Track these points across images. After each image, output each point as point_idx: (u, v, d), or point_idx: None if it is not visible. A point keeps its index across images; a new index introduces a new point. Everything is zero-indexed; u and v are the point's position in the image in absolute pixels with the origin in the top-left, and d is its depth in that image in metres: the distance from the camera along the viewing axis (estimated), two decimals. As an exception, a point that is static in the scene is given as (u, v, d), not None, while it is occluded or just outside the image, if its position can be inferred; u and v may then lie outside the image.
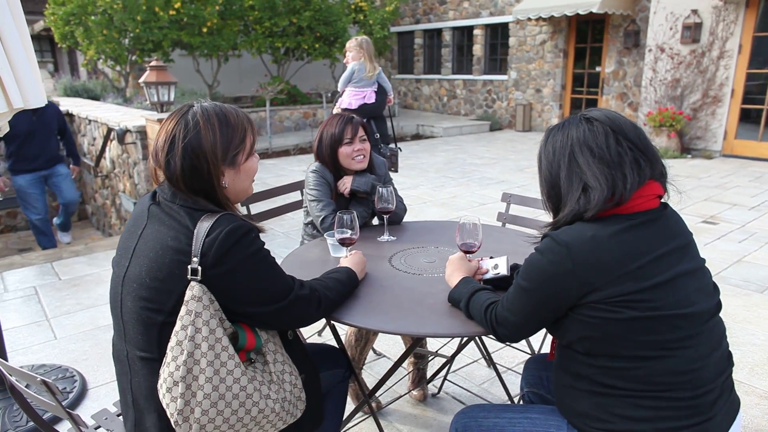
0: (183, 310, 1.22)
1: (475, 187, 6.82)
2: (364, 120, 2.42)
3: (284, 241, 4.85)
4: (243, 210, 2.69)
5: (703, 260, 1.29)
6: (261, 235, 1.36)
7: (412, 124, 12.22)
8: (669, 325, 1.16)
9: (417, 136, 11.82)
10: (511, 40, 12.33)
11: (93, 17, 9.75)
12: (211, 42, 10.42)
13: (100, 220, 6.38)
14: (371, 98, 4.62)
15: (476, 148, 9.98)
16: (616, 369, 1.18)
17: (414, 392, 2.48)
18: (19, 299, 3.67)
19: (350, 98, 4.58)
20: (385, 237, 2.22)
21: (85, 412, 2.45)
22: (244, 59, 12.67)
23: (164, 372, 1.23)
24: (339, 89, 4.76)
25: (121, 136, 4.60)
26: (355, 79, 4.62)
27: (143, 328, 1.29)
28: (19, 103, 2.18)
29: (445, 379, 2.56)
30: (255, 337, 1.32)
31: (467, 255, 1.72)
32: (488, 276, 1.65)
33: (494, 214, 5.56)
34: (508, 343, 2.30)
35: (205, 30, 10.25)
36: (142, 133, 4.54)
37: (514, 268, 1.65)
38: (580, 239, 1.18)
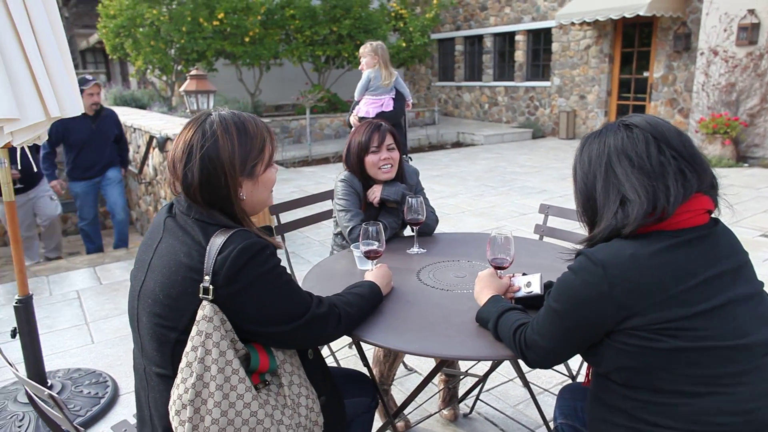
0: (194, 330, 1.18)
1: (515, 196, 6.65)
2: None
3: (319, 249, 4.83)
4: (273, 219, 2.67)
5: (761, 284, 1.16)
6: (278, 251, 1.31)
7: (453, 132, 12.09)
8: (719, 357, 1.03)
9: (457, 144, 11.69)
10: (554, 46, 12.06)
11: (141, 29, 10.10)
12: (253, 51, 10.62)
13: (144, 225, 6.56)
14: (389, 106, 4.49)
15: (518, 156, 9.77)
16: (658, 404, 1.07)
17: (444, 411, 2.39)
18: (63, 302, 3.77)
19: (367, 107, 4.46)
20: (415, 249, 2.14)
21: (115, 418, 2.46)
22: (285, 68, 12.86)
23: (174, 393, 1.20)
24: (356, 98, 4.63)
25: (162, 143, 4.70)
26: (371, 87, 4.50)
27: (158, 344, 1.26)
28: (56, 112, 2.21)
29: (477, 398, 2.45)
30: (269, 359, 1.27)
31: (498, 271, 1.62)
32: (520, 294, 1.55)
33: (533, 225, 5.41)
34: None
35: (247, 39, 10.46)
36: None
37: (548, 286, 1.55)
38: (617, 258, 1.07)
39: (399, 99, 4.57)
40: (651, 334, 1.04)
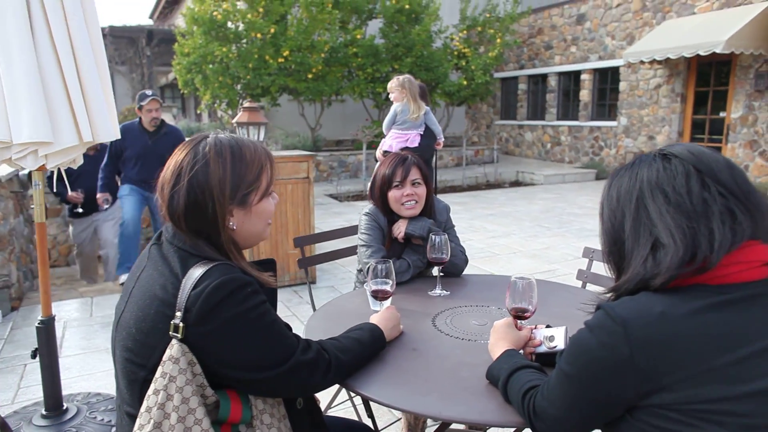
0: (158, 371, 1.07)
1: (571, 238, 6.29)
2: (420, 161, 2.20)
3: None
4: (296, 252, 2.56)
5: None
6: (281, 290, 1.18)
7: (512, 171, 11.80)
8: None
9: (516, 183, 11.38)
10: (622, 85, 11.64)
11: (211, 66, 10.61)
12: (315, 87, 10.88)
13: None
14: (414, 142, 4.28)
15: (578, 197, 9.35)
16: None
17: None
18: (101, 324, 3.82)
19: (392, 140, 4.28)
20: (437, 291, 1.96)
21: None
22: (347, 104, 13.11)
23: None
24: (384, 131, 4.47)
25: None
26: (398, 121, 4.31)
27: (127, 381, 1.16)
28: (89, 137, 2.24)
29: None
30: (243, 408, 1.13)
31: (518, 321, 1.42)
32: (541, 350, 1.35)
33: (577, 271, 5.06)
34: None
35: (310, 76, 10.75)
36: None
37: (575, 341, 1.34)
38: (643, 316, 0.87)
39: (428, 136, 4.36)
40: (684, 417, 0.82)
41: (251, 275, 1.19)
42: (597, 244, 5.19)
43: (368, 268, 1.71)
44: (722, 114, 10.04)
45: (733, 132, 9.77)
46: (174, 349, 1.06)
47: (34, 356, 2.41)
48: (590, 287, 2.22)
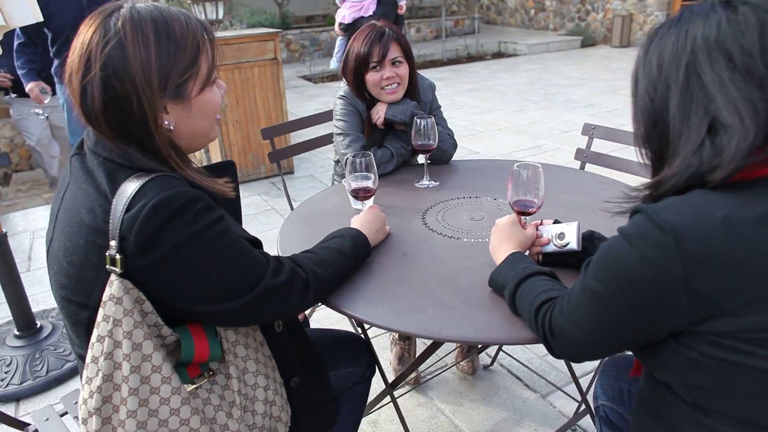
0: (99, 314, 0.87)
1: (558, 111, 6.03)
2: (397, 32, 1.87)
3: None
4: (267, 145, 2.31)
5: None
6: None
7: (494, 42, 11.15)
8: None
9: (498, 54, 10.79)
10: (613, -62, 10.67)
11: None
12: (277, -45, 9.80)
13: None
14: (369, 10, 3.69)
15: (564, 66, 8.92)
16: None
17: (462, 363, 2.10)
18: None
19: (345, 10, 3.68)
20: (425, 182, 1.76)
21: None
22: (314, -26, 11.95)
23: (81, 393, 0.91)
24: (337, 2, 3.86)
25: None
26: None
27: (71, 323, 0.97)
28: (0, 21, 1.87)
29: (500, 349, 2.15)
30: (210, 345, 0.95)
31: (522, 218, 1.24)
32: (549, 249, 1.18)
33: (576, 143, 4.83)
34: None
35: (270, -58, 9.62)
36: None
37: (589, 238, 1.17)
38: (700, 222, 0.68)
39: (386, 2, 3.77)
40: (746, 345, 0.66)
41: (201, 186, 0.96)
42: (583, 116, 4.98)
43: (346, 160, 1.50)
44: (718, -33, 9.33)
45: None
46: (114, 286, 0.86)
47: (-9, 275, 2.23)
48: (590, 168, 2.04)
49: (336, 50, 3.71)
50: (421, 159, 2.07)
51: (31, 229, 3.71)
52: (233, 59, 3.91)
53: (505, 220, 1.21)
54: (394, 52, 1.82)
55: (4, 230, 2.21)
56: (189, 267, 0.88)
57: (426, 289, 1.15)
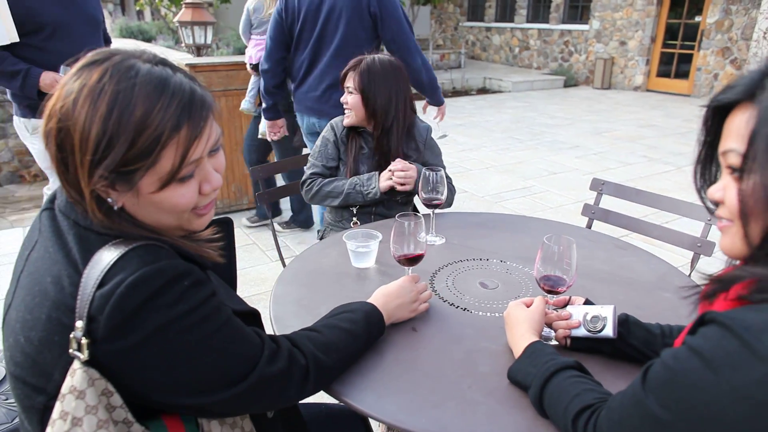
0: (56, 408, 0.72)
1: (545, 151, 6.03)
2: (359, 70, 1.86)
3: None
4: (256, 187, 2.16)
5: None
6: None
7: (479, 77, 11.27)
8: None
9: (483, 90, 10.90)
10: (597, -16, 10.98)
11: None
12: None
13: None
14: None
15: (548, 105, 9.02)
16: None
17: None
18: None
19: (252, 49, 3.34)
20: (431, 238, 1.64)
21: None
22: (303, 1, 11.98)
23: None
24: (243, 39, 3.52)
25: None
26: (254, 24, 3.35)
27: (23, 408, 0.81)
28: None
29: None
30: None
31: (549, 296, 1.12)
32: (580, 333, 1.05)
33: (566, 187, 4.83)
34: None
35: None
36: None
37: (624, 323, 1.05)
38: None
39: None
40: None
41: (190, 254, 0.82)
42: (570, 157, 4.90)
43: (313, 182, 1.82)
44: (698, 18, 9.64)
45: (706, 38, 9.44)
46: (77, 376, 0.71)
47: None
48: (598, 227, 1.94)
49: (249, 88, 3.48)
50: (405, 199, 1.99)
51: (-6, 255, 3.47)
52: (221, 86, 3.78)
53: (517, 307, 1.09)
54: (348, 81, 1.87)
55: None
56: (170, 354, 0.74)
57: (442, 375, 1.02)
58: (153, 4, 10.93)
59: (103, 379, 0.72)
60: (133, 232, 0.78)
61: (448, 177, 1.89)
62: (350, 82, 1.86)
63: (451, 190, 1.86)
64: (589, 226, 1.98)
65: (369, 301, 1.12)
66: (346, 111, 1.90)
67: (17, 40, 1.94)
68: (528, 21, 12.81)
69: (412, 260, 1.24)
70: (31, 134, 2.43)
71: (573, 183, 4.90)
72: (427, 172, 1.57)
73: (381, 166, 1.88)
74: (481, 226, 1.77)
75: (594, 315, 1.04)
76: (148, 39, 9.73)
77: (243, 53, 3.68)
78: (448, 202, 1.86)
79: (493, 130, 7.15)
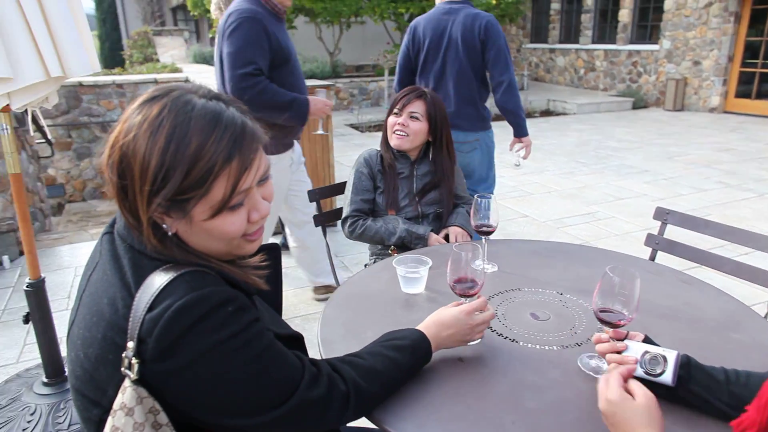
0: (108, 423, 0.76)
1: (611, 176, 5.82)
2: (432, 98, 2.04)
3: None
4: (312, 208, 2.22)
5: None
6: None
7: (542, 99, 11.10)
8: None
9: (547, 113, 10.71)
10: (667, 3, 10.59)
11: (222, -16, 9.88)
12: (333, 8, 10.12)
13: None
14: None
15: (615, 128, 8.73)
16: None
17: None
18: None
19: None
20: (482, 264, 1.61)
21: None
22: (367, 26, 12.30)
23: None
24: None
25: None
26: None
27: (82, 419, 0.87)
28: (57, 72, 1.87)
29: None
30: None
31: (606, 327, 1.06)
32: (636, 374, 1.00)
33: (633, 213, 4.63)
34: None
35: (327, -5, 9.97)
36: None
37: (684, 366, 0.98)
38: None
39: None
40: None
41: (236, 281, 0.85)
42: (637, 182, 4.71)
43: (355, 223, 1.92)
44: (781, 36, 9.10)
45: (791, 56, 8.88)
46: (127, 394, 0.75)
47: (26, 322, 2.18)
48: (663, 259, 1.85)
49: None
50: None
51: (75, 265, 3.72)
52: (284, 110, 3.91)
53: (615, 399, 0.86)
54: (415, 107, 1.98)
55: (42, 275, 2.16)
56: (213, 377, 0.77)
57: (485, 409, 0.99)
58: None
59: (151, 397, 0.76)
60: (182, 258, 0.82)
61: (468, 197, 2.16)
62: (416, 108, 1.98)
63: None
64: (652, 258, 1.89)
65: (421, 327, 1.11)
66: (397, 133, 2.00)
67: (99, 70, 2.10)
68: (593, 42, 12.52)
69: (468, 295, 1.20)
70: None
71: (641, 209, 4.69)
72: (479, 199, 1.55)
73: (426, 186, 2.05)
74: (536, 254, 1.72)
75: (653, 356, 0.98)
76: (220, 65, 10.25)
77: (308, 78, 3.80)
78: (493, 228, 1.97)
79: (556, 153, 6.98)
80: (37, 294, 2.15)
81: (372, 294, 1.47)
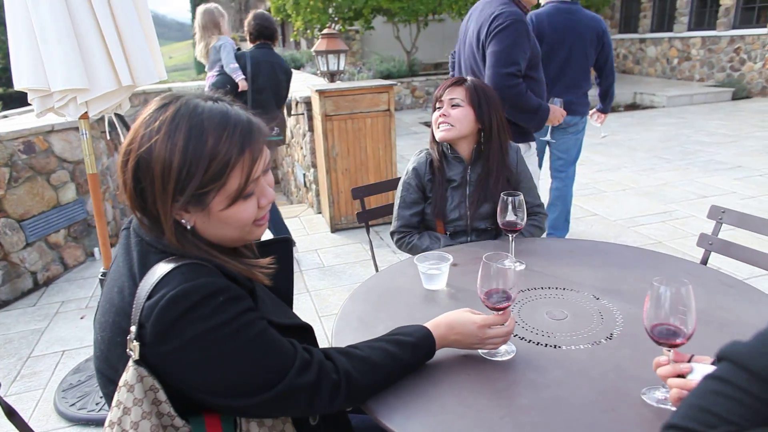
0: (114, 397, 0.87)
1: (696, 172, 5.43)
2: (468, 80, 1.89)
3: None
4: (356, 205, 2.28)
5: None
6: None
7: (629, 92, 10.51)
8: None
9: (632, 106, 10.14)
10: (776, -17, 9.66)
11: (301, -12, 10.25)
12: (410, 7, 10.18)
13: (285, 186, 6.71)
14: (211, 79, 3.63)
15: (708, 121, 8.10)
16: None
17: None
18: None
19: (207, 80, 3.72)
20: (509, 263, 1.60)
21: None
22: (445, 23, 12.24)
23: None
24: (207, 68, 3.83)
25: (289, 106, 4.56)
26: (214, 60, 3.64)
27: (103, 393, 0.99)
28: (128, 81, 2.07)
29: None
30: None
31: (666, 349, 0.95)
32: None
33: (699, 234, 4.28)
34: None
35: (404, -6, 10.05)
36: (308, 104, 4.44)
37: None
38: None
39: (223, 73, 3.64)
40: None
41: (233, 274, 0.93)
42: (729, 179, 4.34)
43: (403, 237, 1.82)
44: None
45: None
46: (129, 372, 0.85)
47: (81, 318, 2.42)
48: (716, 262, 1.73)
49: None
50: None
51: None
52: (347, 110, 4.03)
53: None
54: (456, 94, 1.84)
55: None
56: (205, 360, 0.85)
57: (477, 403, 1.00)
58: (304, 34, 11.96)
59: (151, 376, 0.85)
60: (191, 253, 0.91)
61: (538, 201, 1.89)
62: (456, 95, 1.83)
63: (537, 224, 1.93)
64: (705, 259, 1.78)
65: (430, 324, 1.12)
66: (441, 126, 1.85)
67: (165, 78, 2.29)
68: (690, 29, 11.67)
69: (499, 309, 1.11)
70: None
71: (725, 232, 4.34)
72: (506, 197, 1.54)
73: (478, 188, 1.87)
74: (568, 253, 1.68)
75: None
76: (298, 66, 10.64)
77: (385, 77, 3.91)
78: (535, 235, 1.91)
79: (637, 149, 6.61)
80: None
81: (394, 289, 1.51)
